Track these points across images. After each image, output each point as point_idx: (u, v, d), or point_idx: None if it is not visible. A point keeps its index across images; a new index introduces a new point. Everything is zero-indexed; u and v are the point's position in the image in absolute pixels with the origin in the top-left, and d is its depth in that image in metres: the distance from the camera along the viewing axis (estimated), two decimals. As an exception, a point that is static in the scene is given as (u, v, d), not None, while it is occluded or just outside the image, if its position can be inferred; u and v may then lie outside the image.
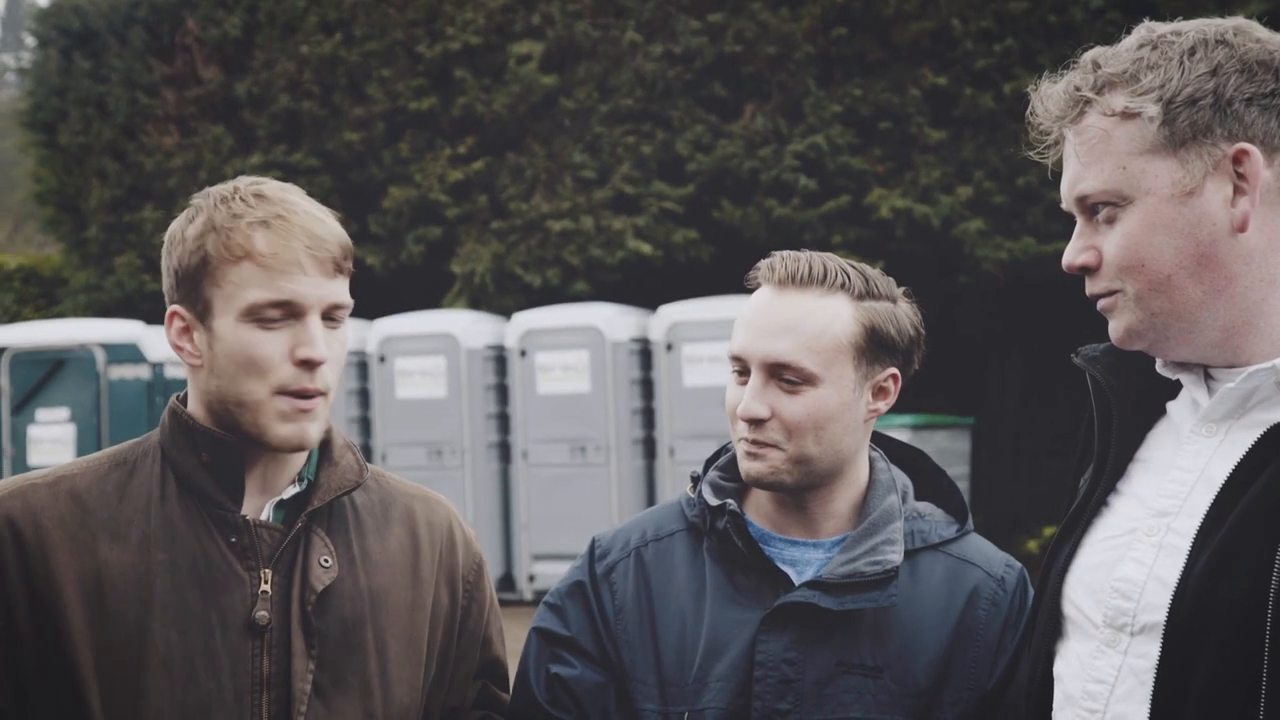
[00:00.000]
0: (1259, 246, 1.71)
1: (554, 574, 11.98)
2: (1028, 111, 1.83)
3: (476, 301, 13.84)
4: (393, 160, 14.43)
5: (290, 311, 1.99)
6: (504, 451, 12.69)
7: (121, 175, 15.62)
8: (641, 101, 13.70)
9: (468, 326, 12.66)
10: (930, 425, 11.81)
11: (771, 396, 2.20)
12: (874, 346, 2.23)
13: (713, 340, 11.68)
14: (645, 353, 12.21)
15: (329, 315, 2.02)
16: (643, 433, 12.24)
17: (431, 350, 12.57)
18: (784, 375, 2.20)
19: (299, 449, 2.04)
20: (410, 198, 14.17)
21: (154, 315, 14.60)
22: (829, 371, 2.20)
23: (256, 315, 1.98)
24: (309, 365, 2.00)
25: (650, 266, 13.50)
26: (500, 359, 12.65)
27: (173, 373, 12.73)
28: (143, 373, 12.65)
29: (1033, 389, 14.04)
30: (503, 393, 12.64)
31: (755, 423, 2.21)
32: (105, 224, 15.69)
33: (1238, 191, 1.70)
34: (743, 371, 2.25)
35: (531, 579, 12.38)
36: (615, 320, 12.22)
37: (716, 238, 13.50)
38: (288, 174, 13.76)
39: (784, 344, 2.19)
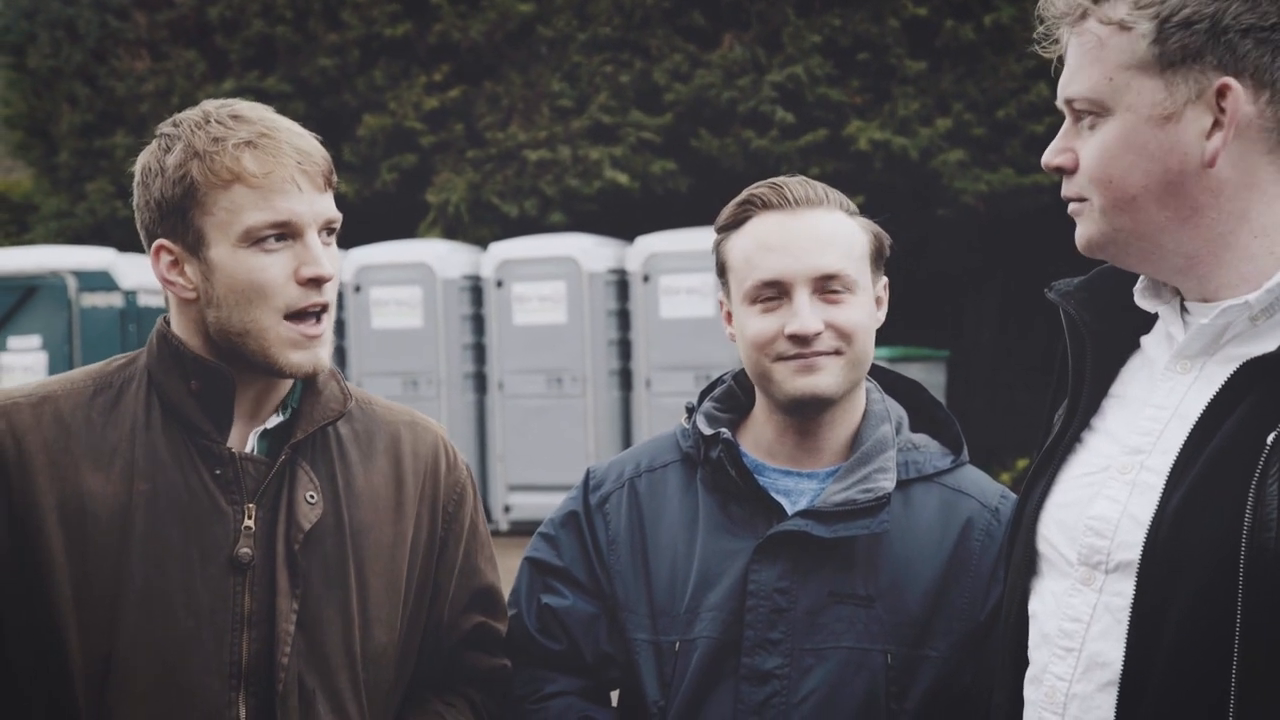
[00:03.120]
0: (1231, 181, 1.68)
1: (529, 504, 12.01)
2: (1038, 5, 1.80)
3: (451, 231, 13.75)
4: (367, 87, 14.27)
5: (289, 231, 1.94)
6: (480, 382, 12.67)
7: (92, 100, 15.41)
8: (620, 30, 13.56)
9: (444, 256, 12.59)
10: (906, 358, 11.83)
11: (820, 310, 2.21)
12: (878, 256, 2.29)
13: (690, 271, 11.64)
14: (622, 284, 12.17)
15: (325, 230, 1.98)
16: (619, 364, 12.23)
17: (407, 280, 12.50)
18: (830, 286, 2.21)
19: (312, 374, 2.00)
20: (385, 125, 14.02)
21: (126, 243, 14.45)
22: (863, 279, 2.25)
23: (255, 238, 1.92)
24: (316, 283, 1.95)
25: (627, 197, 13.42)
26: (476, 289, 12.59)
27: (145, 301, 12.62)
28: (115, 301, 12.53)
29: (1009, 322, 14.07)
30: (479, 323, 12.60)
31: (806, 339, 2.19)
32: (76, 149, 15.49)
33: (1215, 125, 1.67)
34: (775, 298, 2.22)
35: (507, 510, 12.40)
36: (592, 251, 12.17)
37: (694, 168, 13.43)
38: (261, 100, 13.30)
39: (829, 256, 2.21)
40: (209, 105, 2.00)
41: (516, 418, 12.34)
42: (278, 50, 14.59)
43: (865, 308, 2.24)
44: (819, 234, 2.23)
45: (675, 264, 11.79)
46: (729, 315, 2.31)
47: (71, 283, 12.43)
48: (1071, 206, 1.79)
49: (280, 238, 1.94)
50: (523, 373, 12.30)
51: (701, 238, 11.71)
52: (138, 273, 12.72)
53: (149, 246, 2.00)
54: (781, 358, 2.21)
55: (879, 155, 12.72)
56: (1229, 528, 1.58)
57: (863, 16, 12.99)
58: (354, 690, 2.02)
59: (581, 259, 12.08)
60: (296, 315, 1.96)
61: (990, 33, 12.59)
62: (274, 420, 2.04)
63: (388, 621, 2.07)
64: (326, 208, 1.98)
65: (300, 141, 1.97)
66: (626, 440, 12.17)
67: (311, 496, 1.99)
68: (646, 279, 11.89)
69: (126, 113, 15.12)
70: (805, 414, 2.25)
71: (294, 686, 1.95)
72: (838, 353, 2.21)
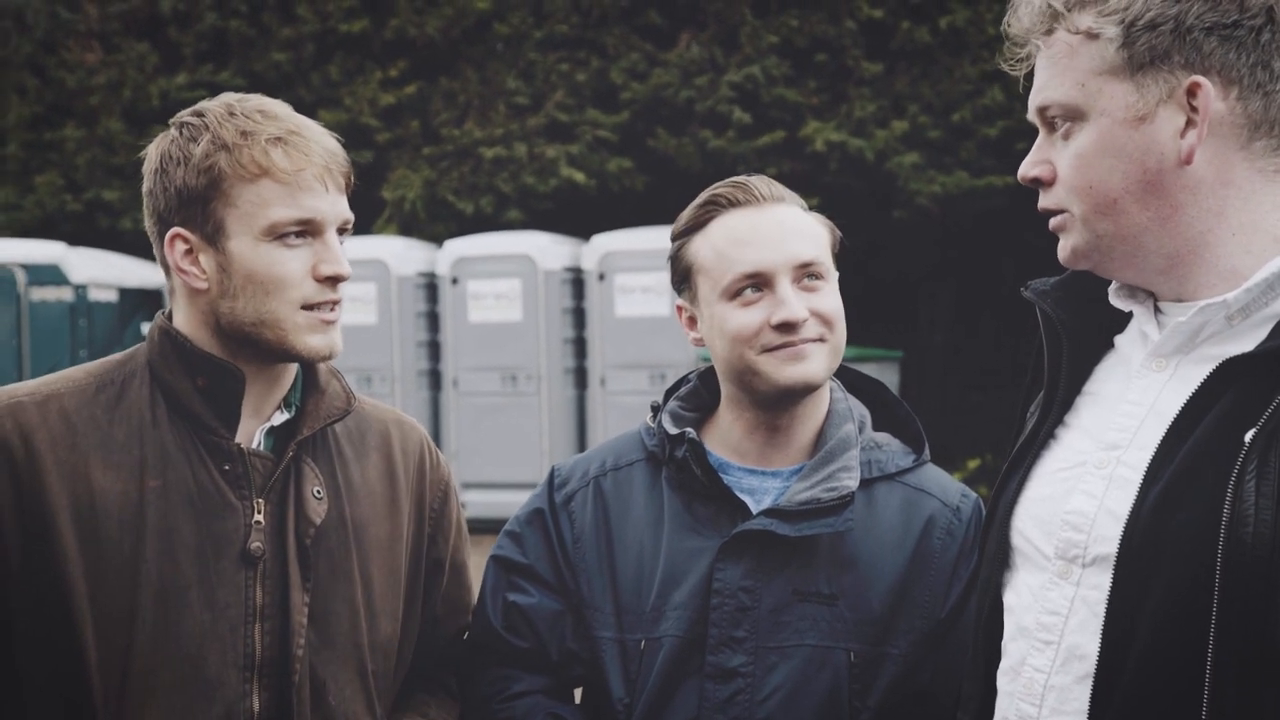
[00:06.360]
0: (1207, 178, 1.71)
1: (484, 503, 11.98)
2: (1004, 22, 1.84)
3: (407, 228, 13.70)
4: (322, 83, 14.19)
5: (310, 229, 1.98)
6: (434, 379, 12.64)
7: (42, 91, 15.24)
8: (576, 28, 13.55)
9: (399, 253, 12.55)
10: (860, 358, 11.88)
11: (803, 299, 2.24)
12: (837, 250, 2.33)
13: (645, 270, 11.65)
14: (578, 282, 12.17)
15: (340, 230, 2.02)
16: (574, 362, 12.23)
17: (362, 277, 12.43)
18: (809, 274, 2.25)
19: (329, 358, 2.04)
20: (340, 121, 13.94)
21: (76, 236, 14.31)
22: (831, 270, 2.30)
23: (278, 233, 1.95)
24: (333, 281, 1.99)
25: (584, 195, 13.42)
26: (431, 286, 12.56)
27: (96, 295, 12.51)
28: (65, 295, 12.41)
29: (960, 322, 14.17)
30: (434, 320, 12.56)
31: (794, 326, 2.21)
32: (25, 141, 15.32)
33: (1189, 124, 1.70)
34: (756, 290, 2.24)
35: (461, 507, 12.35)
36: (548, 249, 12.16)
37: (650, 167, 13.44)
38: (214, 94, 13.45)
39: (806, 245, 2.26)
40: (229, 98, 2.03)
41: (471, 415, 12.31)
42: (231, 44, 14.49)
43: (838, 296, 2.29)
44: (791, 225, 2.27)
45: (631, 262, 11.80)
46: (692, 320, 2.32)
47: (20, 276, 12.29)
48: (1053, 222, 1.81)
49: (301, 234, 1.97)
50: (477, 370, 12.28)
51: (657, 237, 11.72)
52: (88, 267, 12.59)
53: (162, 234, 2.00)
54: (768, 349, 2.23)
55: (835, 156, 12.78)
56: (1206, 523, 1.60)
57: (820, 18, 13.04)
58: (362, 680, 2.06)
59: (537, 257, 12.07)
60: (312, 306, 2.00)
61: (945, 36, 12.68)
62: (279, 418, 2.06)
63: (391, 612, 2.11)
64: (345, 208, 2.03)
65: (327, 141, 2.01)
66: (581, 438, 12.17)
67: (318, 492, 2.02)
68: (602, 277, 11.90)
69: (76, 105, 14.97)
70: (788, 405, 2.27)
71: (307, 677, 1.98)
72: (821, 339, 2.24)
